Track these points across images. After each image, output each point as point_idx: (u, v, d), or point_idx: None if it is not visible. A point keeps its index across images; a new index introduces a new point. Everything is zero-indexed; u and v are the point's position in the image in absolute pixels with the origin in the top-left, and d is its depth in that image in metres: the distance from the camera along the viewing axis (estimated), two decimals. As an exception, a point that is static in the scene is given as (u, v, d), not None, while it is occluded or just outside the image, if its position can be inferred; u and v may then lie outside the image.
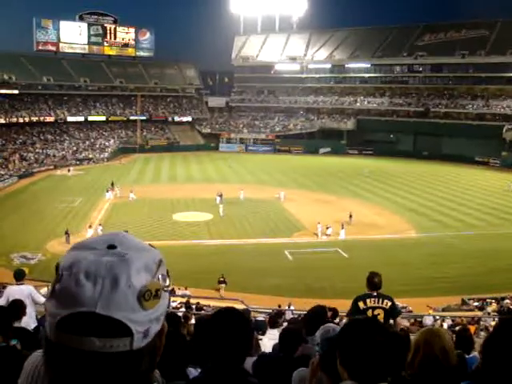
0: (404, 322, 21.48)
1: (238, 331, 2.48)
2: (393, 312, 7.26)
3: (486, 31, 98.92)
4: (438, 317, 21.40)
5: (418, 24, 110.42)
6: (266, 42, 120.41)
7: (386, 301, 7.18)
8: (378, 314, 6.97)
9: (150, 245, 1.29)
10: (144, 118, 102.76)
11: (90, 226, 39.70)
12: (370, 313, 6.97)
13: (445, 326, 17.38)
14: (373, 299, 7.14)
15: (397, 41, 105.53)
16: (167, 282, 1.25)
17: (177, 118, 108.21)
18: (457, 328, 15.44)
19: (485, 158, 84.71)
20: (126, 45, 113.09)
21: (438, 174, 71.92)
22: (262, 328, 10.73)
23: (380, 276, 7.27)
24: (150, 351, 1.18)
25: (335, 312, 12.40)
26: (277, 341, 5.92)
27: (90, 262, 1.14)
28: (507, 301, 24.84)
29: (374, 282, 7.20)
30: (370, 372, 2.02)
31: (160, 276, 1.19)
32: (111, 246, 1.18)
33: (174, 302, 21.47)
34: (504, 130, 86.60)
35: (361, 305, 7.10)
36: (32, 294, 8.75)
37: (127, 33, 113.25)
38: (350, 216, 43.70)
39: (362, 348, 2.03)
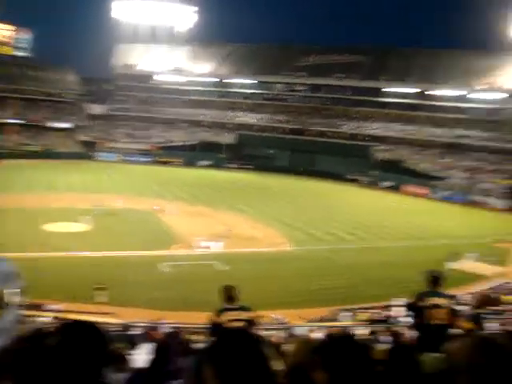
0: (280, 334, 22.02)
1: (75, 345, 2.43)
2: (253, 323, 7.24)
3: (362, 57, 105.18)
4: (310, 327, 22.06)
5: (299, 45, 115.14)
6: (149, 52, 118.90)
7: (246, 313, 7.18)
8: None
9: (5, 258, 1.15)
10: (19, 121, 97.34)
11: None
12: (232, 325, 6.86)
13: (318, 336, 17.97)
14: (234, 312, 7.08)
15: (279, 59, 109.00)
16: (19, 298, 1.09)
17: (54, 124, 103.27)
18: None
19: (355, 175, 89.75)
20: (2, 43, 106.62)
21: (311, 190, 74.98)
22: (135, 342, 10.52)
23: (235, 288, 7.27)
24: None
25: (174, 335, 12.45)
26: (151, 355, 5.84)
27: None
28: (376, 310, 26.27)
29: (231, 296, 7.19)
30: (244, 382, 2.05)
31: (8, 290, 1.05)
32: None
33: (43, 317, 20.40)
34: (372, 151, 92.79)
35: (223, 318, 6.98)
36: None
37: (5, 30, 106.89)
38: (228, 229, 44.08)
39: (237, 359, 2.06)
